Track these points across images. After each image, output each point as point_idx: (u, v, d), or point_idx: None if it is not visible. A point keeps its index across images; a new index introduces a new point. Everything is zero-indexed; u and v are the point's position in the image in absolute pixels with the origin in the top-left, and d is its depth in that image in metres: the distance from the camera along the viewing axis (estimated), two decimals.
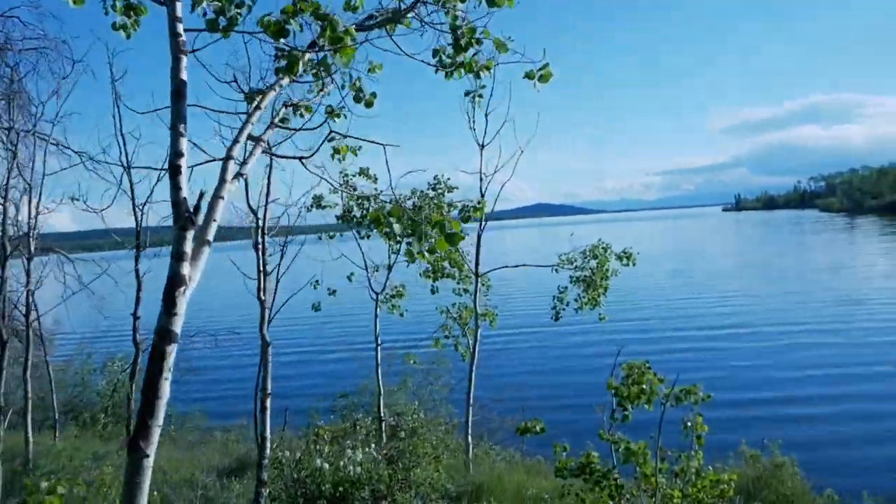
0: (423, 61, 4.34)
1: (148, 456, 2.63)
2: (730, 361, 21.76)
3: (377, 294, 11.59)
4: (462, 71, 4.37)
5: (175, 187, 3.09)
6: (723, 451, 10.51)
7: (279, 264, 8.63)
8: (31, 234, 11.36)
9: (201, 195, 3.18)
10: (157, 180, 10.35)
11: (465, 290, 11.97)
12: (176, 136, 3.14)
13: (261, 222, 8.29)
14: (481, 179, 10.49)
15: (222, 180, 3.37)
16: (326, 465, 7.65)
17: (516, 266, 12.18)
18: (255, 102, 3.92)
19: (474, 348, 11.10)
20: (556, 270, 11.78)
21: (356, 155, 5.12)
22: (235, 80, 4.68)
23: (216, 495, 8.72)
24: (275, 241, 8.81)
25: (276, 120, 4.53)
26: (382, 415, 11.71)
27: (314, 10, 3.31)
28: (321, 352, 28.33)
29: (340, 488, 7.49)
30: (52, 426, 13.37)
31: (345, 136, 5.02)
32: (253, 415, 8.53)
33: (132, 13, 3.69)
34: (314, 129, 5.16)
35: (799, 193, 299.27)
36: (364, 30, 4.08)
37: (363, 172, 11.04)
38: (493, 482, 9.31)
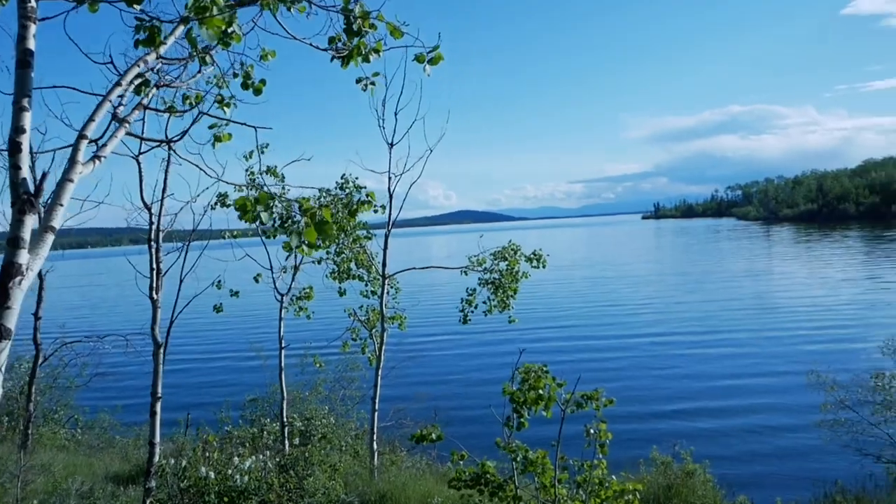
0: (313, 45, 4.16)
1: None
2: (646, 369, 21.95)
3: (282, 296, 11.23)
4: (359, 59, 4.22)
5: (14, 166, 2.86)
6: (635, 462, 10.41)
7: (182, 265, 8.22)
8: None
9: (44, 175, 2.96)
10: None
11: (374, 293, 11.74)
12: (18, 110, 2.91)
13: (154, 218, 7.91)
14: (389, 179, 10.32)
15: (73, 161, 3.10)
16: (212, 475, 7.28)
17: (424, 268, 12.02)
18: (117, 79, 3.66)
19: (380, 351, 10.89)
20: (465, 273, 11.66)
21: (230, 139, 4.88)
22: (112, 62, 4.34)
23: None
24: (175, 245, 8.41)
25: (146, 102, 4.26)
26: (286, 420, 11.38)
27: None
28: (231, 357, 27.59)
29: (226, 498, 7.13)
30: None
31: (227, 123, 4.81)
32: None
33: None
34: (185, 111, 4.90)
35: (716, 202, 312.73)
36: (241, 5, 3.85)
37: (270, 171, 10.69)
38: (398, 491, 8.95)
